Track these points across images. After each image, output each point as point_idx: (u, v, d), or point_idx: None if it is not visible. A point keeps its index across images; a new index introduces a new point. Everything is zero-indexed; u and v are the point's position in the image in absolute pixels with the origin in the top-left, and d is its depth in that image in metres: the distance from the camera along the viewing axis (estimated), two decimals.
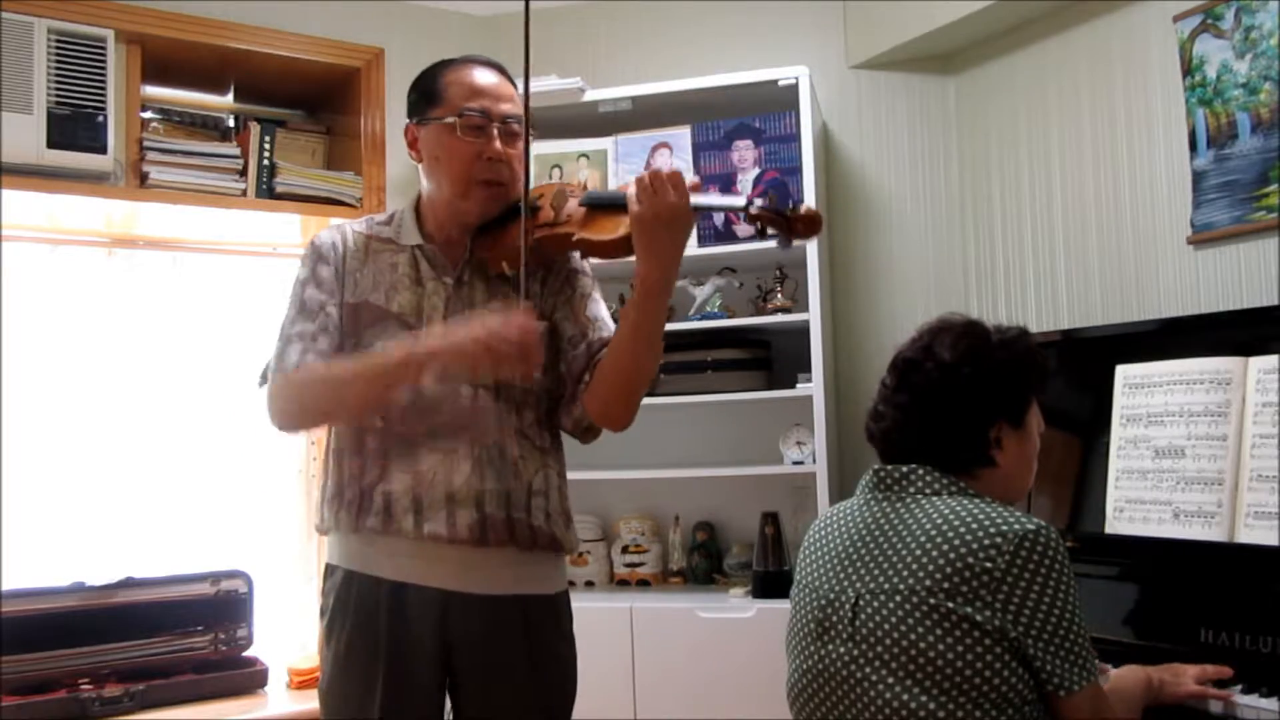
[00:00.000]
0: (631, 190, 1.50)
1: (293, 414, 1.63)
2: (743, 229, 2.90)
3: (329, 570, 1.71)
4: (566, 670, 1.72)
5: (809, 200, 2.77)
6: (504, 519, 1.61)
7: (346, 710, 1.63)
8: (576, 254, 1.71)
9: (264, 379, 1.68)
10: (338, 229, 1.75)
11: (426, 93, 1.69)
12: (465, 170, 1.64)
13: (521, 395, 1.66)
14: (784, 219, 1.50)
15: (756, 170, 2.90)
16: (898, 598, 1.35)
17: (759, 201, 1.50)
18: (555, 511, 1.68)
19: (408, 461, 1.60)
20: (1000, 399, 1.48)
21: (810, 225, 1.50)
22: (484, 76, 1.68)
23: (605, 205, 1.61)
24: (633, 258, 1.55)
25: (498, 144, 1.63)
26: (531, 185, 1.66)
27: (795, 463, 2.81)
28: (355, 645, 1.63)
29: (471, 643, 1.62)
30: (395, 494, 1.60)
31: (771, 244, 3.04)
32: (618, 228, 1.55)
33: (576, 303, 1.71)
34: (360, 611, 1.63)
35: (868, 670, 1.36)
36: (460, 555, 1.61)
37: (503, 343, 1.45)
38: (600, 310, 1.74)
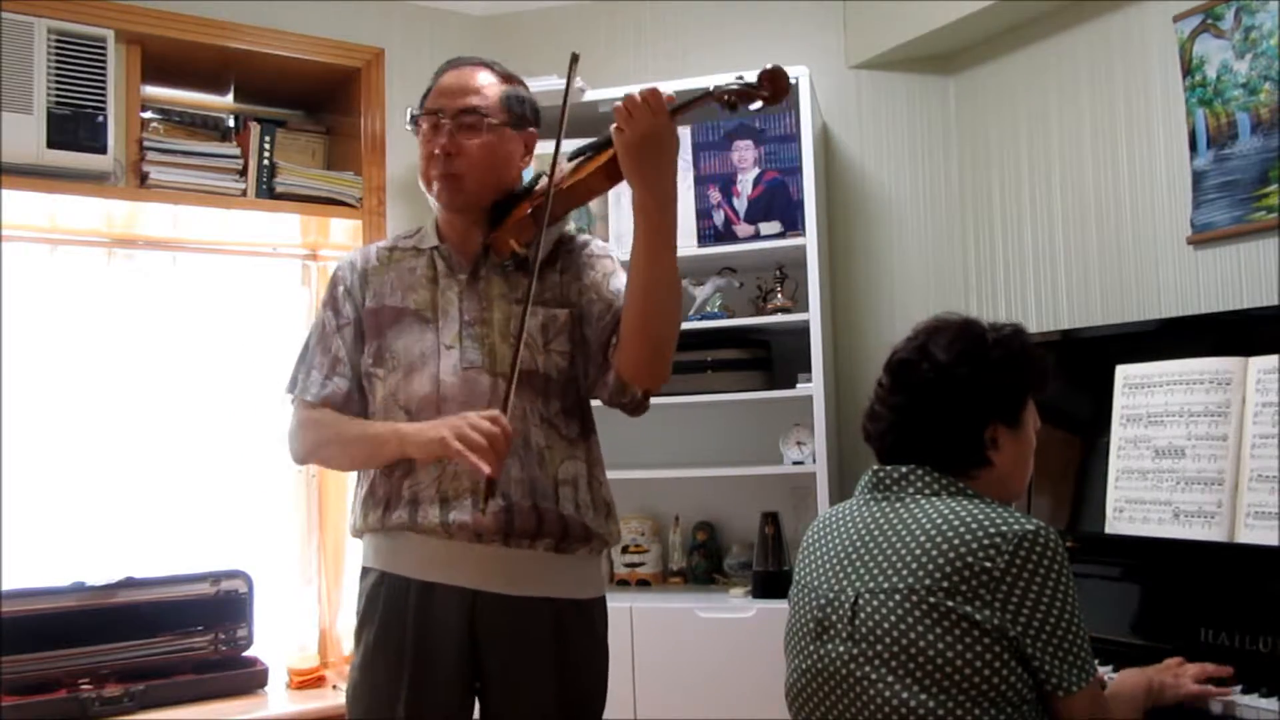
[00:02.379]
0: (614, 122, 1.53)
1: (302, 456, 1.78)
2: (742, 229, 2.90)
3: (363, 573, 1.73)
4: (596, 677, 1.72)
5: (809, 199, 2.78)
6: (530, 507, 1.61)
7: (373, 710, 1.64)
8: (579, 206, 1.77)
9: (290, 386, 1.79)
10: (361, 250, 1.85)
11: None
12: (424, 168, 1.73)
13: (544, 384, 1.68)
14: (747, 86, 1.55)
15: (756, 170, 2.90)
16: (897, 597, 1.35)
17: (722, 83, 1.57)
18: (586, 502, 1.68)
19: None
20: (995, 399, 1.48)
21: (774, 80, 1.54)
22: (446, 77, 1.75)
23: (587, 151, 1.69)
24: (619, 184, 1.61)
25: (443, 139, 1.68)
26: (531, 183, 1.75)
27: (795, 463, 2.81)
28: (381, 644, 1.64)
29: (498, 643, 1.63)
30: (422, 484, 1.63)
31: (772, 244, 3.03)
32: (600, 159, 1.62)
33: (600, 281, 1.73)
34: (388, 611, 1.65)
35: (867, 669, 1.36)
36: (488, 554, 1.62)
37: (473, 433, 1.49)
38: (623, 282, 1.74)
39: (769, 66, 1.55)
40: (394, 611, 1.64)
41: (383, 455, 1.64)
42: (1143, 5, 2.54)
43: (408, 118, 1.75)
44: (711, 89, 1.56)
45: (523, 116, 1.76)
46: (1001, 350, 1.50)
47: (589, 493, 1.70)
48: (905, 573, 1.36)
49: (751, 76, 1.54)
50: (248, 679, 2.85)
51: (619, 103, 1.54)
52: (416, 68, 3.22)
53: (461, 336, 1.67)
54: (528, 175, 1.83)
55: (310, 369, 1.75)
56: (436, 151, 1.68)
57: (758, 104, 1.56)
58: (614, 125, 1.54)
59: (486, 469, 1.46)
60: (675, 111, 1.55)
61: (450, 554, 1.62)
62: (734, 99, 1.56)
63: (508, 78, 1.77)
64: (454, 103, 1.70)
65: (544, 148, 1.82)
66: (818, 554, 1.51)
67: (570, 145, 3.06)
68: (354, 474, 1.80)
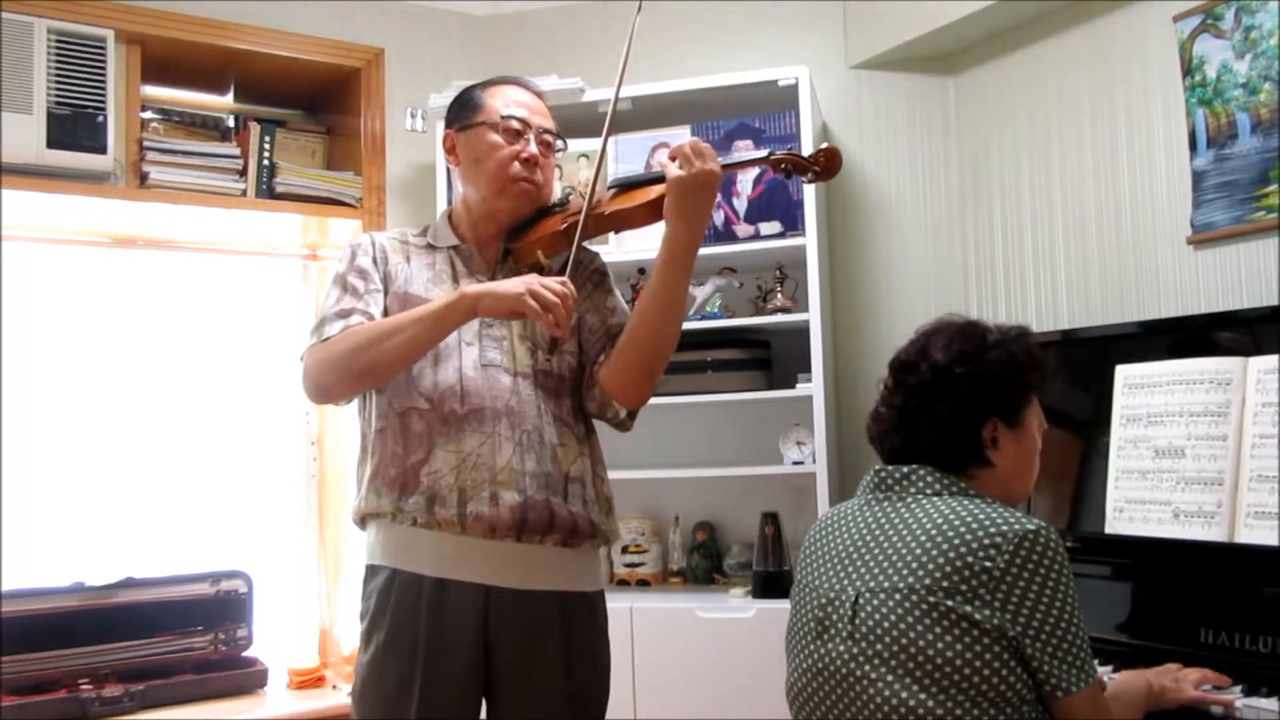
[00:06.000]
0: (670, 156, 1.63)
1: (331, 371, 1.66)
2: (742, 229, 2.90)
3: (370, 572, 1.72)
4: (602, 669, 1.75)
5: (808, 199, 2.78)
6: (544, 502, 1.65)
7: (382, 710, 1.64)
8: (611, 232, 1.87)
9: (303, 358, 1.73)
10: (369, 235, 1.86)
11: (468, 104, 1.82)
12: (504, 169, 1.75)
13: (558, 384, 1.74)
14: (804, 159, 1.70)
15: (756, 170, 2.90)
16: (897, 596, 1.35)
17: (780, 150, 1.71)
18: (592, 498, 1.72)
19: (452, 443, 1.64)
20: (994, 398, 1.48)
21: (830, 159, 1.68)
22: (522, 94, 1.83)
23: (632, 184, 1.77)
24: (657, 222, 1.68)
25: (533, 148, 1.76)
26: (563, 199, 1.84)
27: (795, 463, 2.81)
28: (393, 645, 1.64)
29: (509, 638, 1.64)
30: (440, 473, 1.63)
31: (772, 244, 3.04)
32: (646, 195, 1.69)
33: (598, 297, 1.82)
34: (400, 610, 1.64)
35: (867, 669, 1.36)
36: (501, 549, 1.63)
37: (544, 289, 1.57)
38: (618, 301, 1.84)
39: (825, 145, 1.69)
40: (407, 610, 1.64)
41: (449, 321, 1.62)
42: (1143, 5, 2.54)
43: (496, 117, 1.76)
44: (767, 154, 1.71)
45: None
46: (1000, 350, 1.50)
47: (594, 489, 1.74)
48: (905, 572, 1.36)
49: (808, 150, 1.69)
50: (248, 679, 2.86)
51: (673, 146, 1.64)
52: (416, 68, 3.22)
53: (481, 336, 1.71)
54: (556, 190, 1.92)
55: (327, 321, 1.69)
56: (526, 157, 1.75)
57: (808, 176, 1.69)
58: (670, 161, 1.63)
59: (558, 332, 1.58)
60: (726, 167, 1.67)
61: (463, 550, 1.63)
62: (789, 167, 1.69)
63: None
64: (538, 120, 1.80)
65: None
66: (819, 553, 1.51)
67: (570, 146, 3.06)
68: (354, 469, 1.77)
